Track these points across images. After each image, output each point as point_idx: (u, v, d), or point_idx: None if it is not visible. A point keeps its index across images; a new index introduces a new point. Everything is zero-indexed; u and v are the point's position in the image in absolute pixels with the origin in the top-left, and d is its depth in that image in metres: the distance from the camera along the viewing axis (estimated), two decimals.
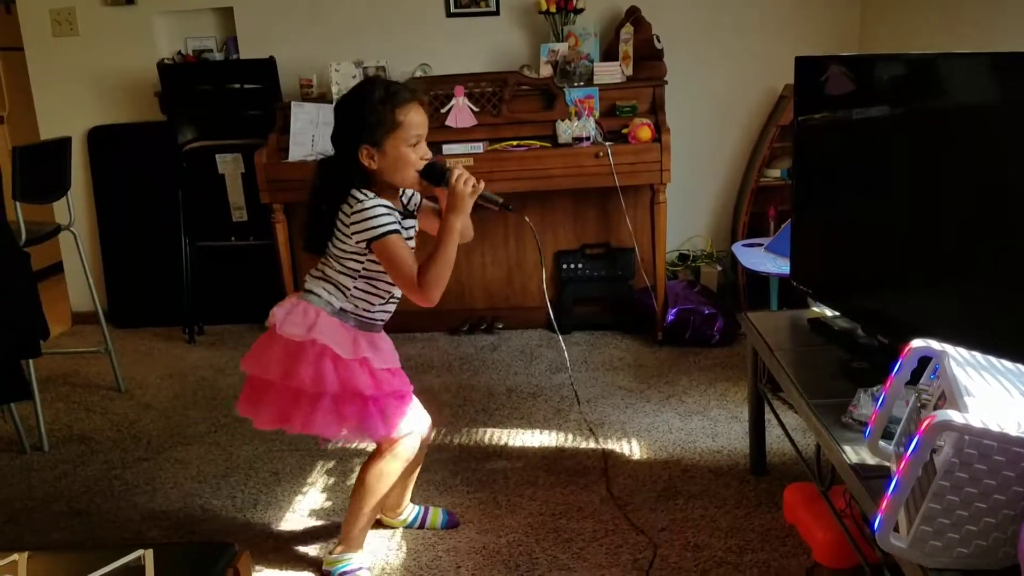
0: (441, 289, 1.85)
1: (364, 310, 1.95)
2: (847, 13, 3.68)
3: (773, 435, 2.48)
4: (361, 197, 1.84)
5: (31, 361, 2.69)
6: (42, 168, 2.92)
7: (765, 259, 3.00)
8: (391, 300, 1.99)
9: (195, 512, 2.37)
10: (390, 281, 1.92)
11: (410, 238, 1.94)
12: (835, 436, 1.64)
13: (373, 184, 1.88)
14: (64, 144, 3.09)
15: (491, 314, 3.71)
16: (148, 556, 1.34)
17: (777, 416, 2.31)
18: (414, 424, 2.00)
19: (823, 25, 3.69)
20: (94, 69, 3.95)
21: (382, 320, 2.01)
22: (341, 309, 1.93)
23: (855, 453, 1.56)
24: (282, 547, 2.18)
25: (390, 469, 1.99)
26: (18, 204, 2.79)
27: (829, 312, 2.25)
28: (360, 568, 2.03)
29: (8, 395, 2.55)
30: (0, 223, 2.50)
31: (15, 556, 1.36)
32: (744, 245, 3.25)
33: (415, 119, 1.85)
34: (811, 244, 2.24)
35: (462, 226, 1.89)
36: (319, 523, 2.29)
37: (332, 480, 2.50)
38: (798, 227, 2.30)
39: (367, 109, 1.83)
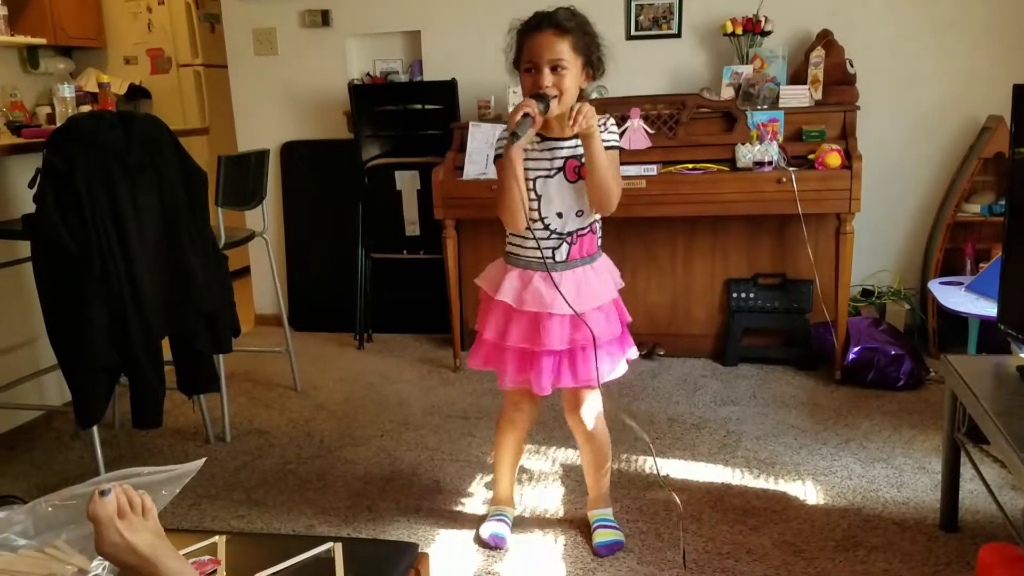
0: (505, 218, 1.93)
1: (516, 244, 2.04)
2: None
3: (965, 489, 2.26)
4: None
5: (221, 356, 2.87)
6: (243, 177, 3.14)
7: (966, 299, 2.77)
8: (531, 217, 1.96)
9: (362, 511, 2.43)
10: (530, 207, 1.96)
11: (555, 168, 1.95)
12: None
13: None
14: (263, 156, 3.30)
15: (652, 339, 3.63)
16: (338, 549, 1.38)
17: (977, 469, 2.10)
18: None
19: None
20: (290, 87, 4.22)
21: (537, 252, 1.98)
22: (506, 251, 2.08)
23: None
24: (444, 553, 2.20)
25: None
26: (220, 210, 3.00)
27: None
28: None
29: (201, 387, 2.73)
30: (205, 226, 2.69)
31: (215, 538, 1.43)
32: (941, 283, 3.01)
33: (532, 44, 1.86)
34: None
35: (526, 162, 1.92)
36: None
37: (491, 493, 2.50)
38: (1009, 266, 2.10)
39: (515, 34, 1.92)
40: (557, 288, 1.95)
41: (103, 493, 1.11)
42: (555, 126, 1.95)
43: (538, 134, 1.95)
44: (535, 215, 1.97)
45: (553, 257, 2.00)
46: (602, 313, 2.02)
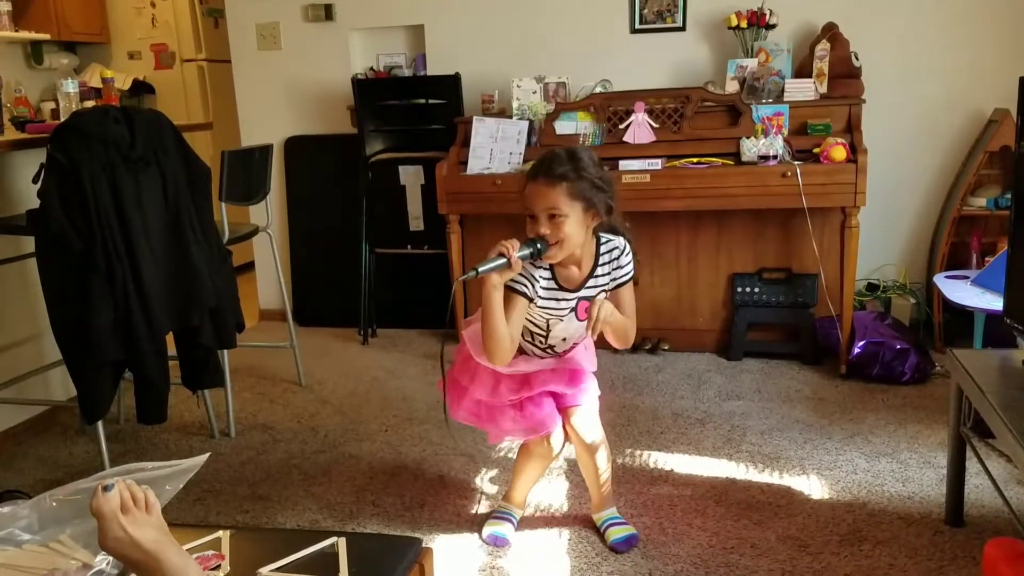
0: (491, 355, 1.94)
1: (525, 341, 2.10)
2: None
3: (971, 484, 2.26)
4: None
5: (226, 351, 2.87)
6: (246, 172, 3.13)
7: (972, 293, 2.76)
8: (536, 341, 2.10)
9: (366, 506, 2.43)
10: (534, 324, 2.04)
11: (567, 309, 2.02)
12: None
13: None
14: (267, 151, 3.30)
15: (656, 334, 3.63)
16: (341, 544, 1.38)
17: (983, 463, 2.10)
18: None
19: None
20: (293, 82, 4.22)
21: (535, 353, 2.12)
22: None
23: None
24: (449, 548, 2.20)
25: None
26: (224, 205, 3.00)
27: None
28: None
29: (206, 382, 2.73)
30: (209, 222, 2.69)
31: (219, 533, 1.43)
32: (947, 277, 3.00)
33: (529, 195, 1.92)
34: None
35: (508, 308, 1.93)
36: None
37: (496, 488, 2.50)
38: (1015, 260, 2.08)
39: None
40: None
41: (106, 488, 1.11)
42: (564, 273, 2.01)
43: (555, 282, 2.00)
44: (540, 340, 2.09)
45: (548, 354, 2.13)
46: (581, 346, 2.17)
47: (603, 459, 2.18)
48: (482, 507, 2.40)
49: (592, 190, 1.91)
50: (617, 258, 2.04)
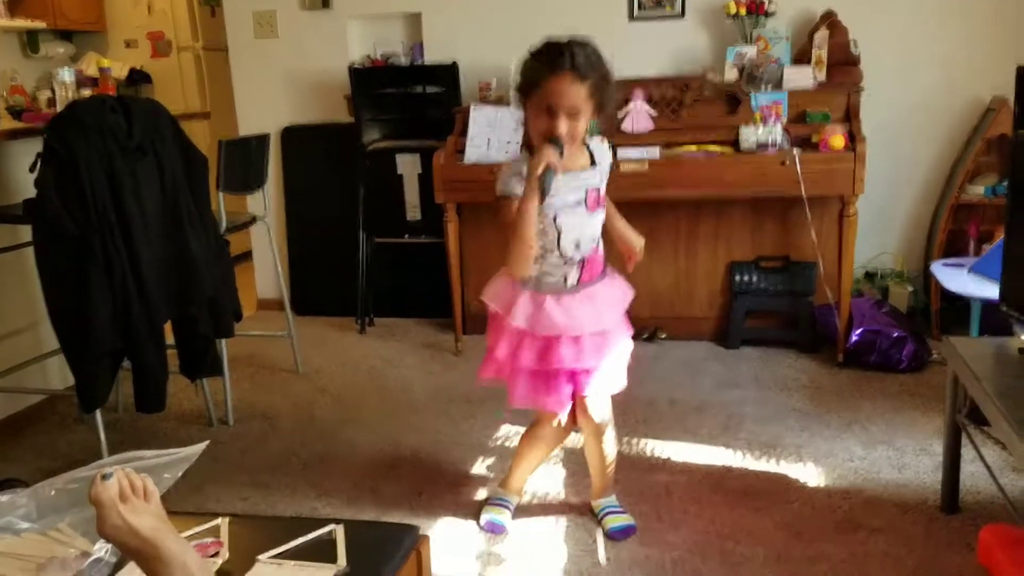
0: (518, 266, 1.87)
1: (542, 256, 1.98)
2: None
3: (966, 471, 2.27)
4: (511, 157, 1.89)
5: (224, 340, 2.87)
6: (243, 161, 3.13)
7: (968, 281, 2.76)
8: (548, 253, 1.96)
9: (364, 495, 2.44)
10: (542, 228, 1.91)
11: (576, 201, 1.93)
12: None
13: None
14: (264, 140, 3.29)
15: (654, 322, 3.63)
16: (339, 531, 1.39)
17: (978, 451, 2.11)
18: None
19: None
20: (290, 70, 4.20)
21: (550, 278, 1.98)
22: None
23: None
24: (446, 535, 2.21)
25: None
26: (221, 194, 3.00)
27: None
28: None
29: (204, 371, 2.74)
30: (206, 211, 2.68)
31: (218, 520, 1.44)
32: (944, 265, 3.00)
33: (554, 88, 1.79)
34: None
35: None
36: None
37: (493, 476, 2.51)
38: (1011, 248, 2.09)
39: (529, 58, 1.86)
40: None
41: (105, 476, 1.12)
42: (566, 164, 1.91)
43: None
44: (553, 247, 1.95)
45: (565, 282, 1.99)
46: (617, 327, 2.07)
47: (610, 445, 2.17)
48: (479, 495, 2.41)
49: (605, 87, 1.85)
50: (600, 144, 2.00)
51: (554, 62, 1.81)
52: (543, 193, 1.79)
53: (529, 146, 1.94)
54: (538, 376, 2.02)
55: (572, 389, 2.04)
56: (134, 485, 1.15)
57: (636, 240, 2.10)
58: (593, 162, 1.99)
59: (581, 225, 1.95)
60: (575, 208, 1.93)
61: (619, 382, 2.10)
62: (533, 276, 1.98)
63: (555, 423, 2.10)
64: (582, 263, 1.99)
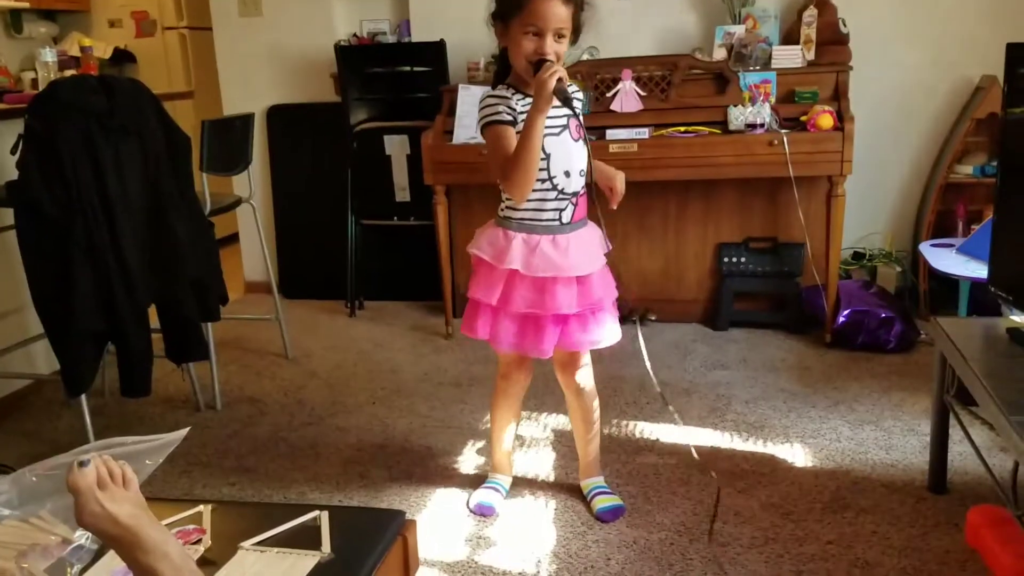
0: (521, 186, 1.85)
1: (510, 208, 1.99)
2: None
3: (954, 451, 2.28)
4: (487, 92, 1.91)
5: (210, 324, 2.85)
6: (227, 142, 3.09)
7: (957, 261, 2.76)
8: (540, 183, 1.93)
9: (354, 478, 2.44)
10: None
11: (559, 127, 1.92)
12: None
13: (511, 75, 1.92)
14: (248, 120, 3.25)
15: (643, 304, 3.62)
16: (324, 517, 1.38)
17: (966, 431, 2.11)
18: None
19: None
20: (276, 49, 4.15)
21: (544, 215, 1.97)
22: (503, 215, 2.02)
23: None
24: (435, 519, 2.21)
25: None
26: (204, 175, 2.96)
27: None
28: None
29: (190, 355, 2.71)
30: (189, 192, 2.65)
31: (200, 507, 1.43)
32: (932, 245, 3.00)
33: (541, 9, 1.79)
34: (1015, 248, 2.02)
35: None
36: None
37: (483, 459, 2.50)
38: (1000, 229, 2.08)
39: None
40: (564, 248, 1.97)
41: (82, 464, 1.10)
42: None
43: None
44: (543, 175, 1.92)
45: (560, 219, 1.97)
46: (604, 274, 2.05)
47: (593, 410, 2.17)
48: (470, 478, 2.41)
49: (583, 10, 1.87)
50: (572, 86, 1.97)
51: None
52: (567, 99, 1.78)
53: (506, 83, 1.94)
54: (527, 320, 2.00)
55: (561, 343, 2.03)
56: (112, 472, 1.13)
57: (615, 173, 2.06)
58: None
59: (568, 153, 1.94)
60: (560, 135, 1.93)
61: (614, 334, 2.08)
62: (526, 219, 1.97)
63: (524, 374, 2.15)
64: (573, 199, 1.98)
